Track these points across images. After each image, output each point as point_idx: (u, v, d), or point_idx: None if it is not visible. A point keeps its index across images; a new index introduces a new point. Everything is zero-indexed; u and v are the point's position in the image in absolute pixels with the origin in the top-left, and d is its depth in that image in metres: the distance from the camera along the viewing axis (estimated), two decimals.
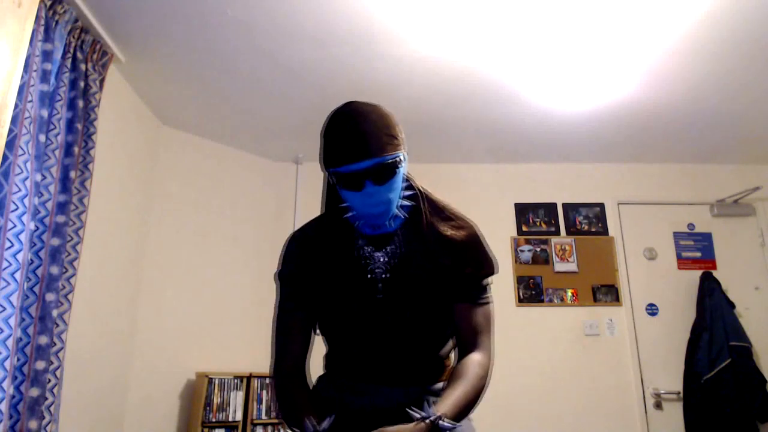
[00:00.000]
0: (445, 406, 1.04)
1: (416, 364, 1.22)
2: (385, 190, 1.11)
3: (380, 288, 1.19)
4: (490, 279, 1.25)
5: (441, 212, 1.25)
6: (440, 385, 1.23)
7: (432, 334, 1.23)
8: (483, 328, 1.21)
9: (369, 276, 1.19)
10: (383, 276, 1.19)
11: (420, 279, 1.19)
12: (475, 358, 1.17)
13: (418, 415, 1.00)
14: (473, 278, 1.21)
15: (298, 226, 4.30)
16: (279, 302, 1.27)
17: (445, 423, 0.99)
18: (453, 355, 1.31)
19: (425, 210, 1.22)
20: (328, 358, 1.32)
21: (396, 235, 1.22)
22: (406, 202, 1.20)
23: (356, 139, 1.07)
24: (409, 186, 1.22)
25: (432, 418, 0.99)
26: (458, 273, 1.19)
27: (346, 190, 1.12)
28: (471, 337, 1.19)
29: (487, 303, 1.23)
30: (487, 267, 1.23)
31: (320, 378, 1.33)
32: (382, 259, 1.20)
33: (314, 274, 1.22)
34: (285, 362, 1.22)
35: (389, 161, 1.09)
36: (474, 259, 1.21)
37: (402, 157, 1.13)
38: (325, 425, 1.03)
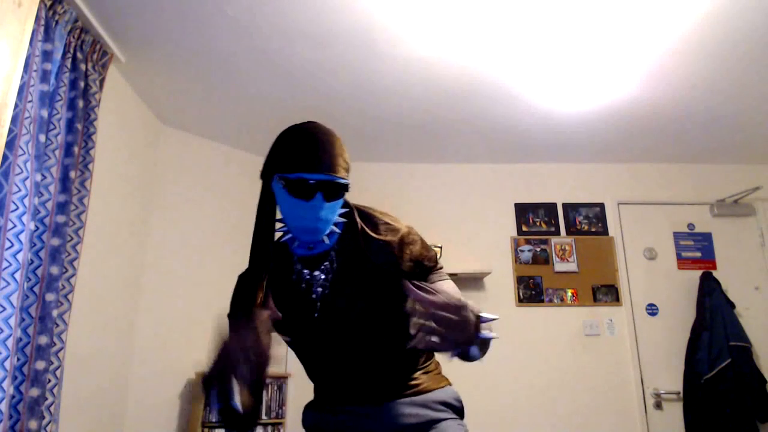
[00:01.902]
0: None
1: (386, 376, 1.22)
2: (328, 208, 1.14)
3: (318, 307, 1.19)
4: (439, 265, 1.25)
5: (372, 220, 1.25)
6: (423, 397, 1.22)
7: (386, 343, 1.22)
8: (449, 288, 1.19)
9: (313, 296, 1.20)
10: (325, 293, 1.20)
11: (360, 289, 1.19)
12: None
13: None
14: (416, 272, 1.20)
15: None
16: None
17: (485, 315, 0.98)
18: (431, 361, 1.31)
19: (360, 222, 1.23)
20: (314, 388, 1.34)
21: (332, 251, 1.22)
22: (341, 219, 1.21)
23: (322, 151, 1.13)
24: (344, 204, 1.23)
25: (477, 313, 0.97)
26: (399, 270, 1.18)
27: (294, 197, 1.12)
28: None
29: (446, 279, 1.23)
30: (428, 259, 1.23)
31: (305, 408, 1.35)
32: (321, 278, 1.21)
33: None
34: None
35: (343, 183, 1.15)
36: (413, 254, 1.20)
37: (349, 186, 1.17)
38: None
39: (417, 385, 1.24)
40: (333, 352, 1.21)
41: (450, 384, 1.31)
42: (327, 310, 1.19)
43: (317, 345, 1.22)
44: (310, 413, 1.33)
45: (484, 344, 1.02)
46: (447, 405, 1.25)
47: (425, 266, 1.22)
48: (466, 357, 1.01)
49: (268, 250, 1.19)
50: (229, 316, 1.26)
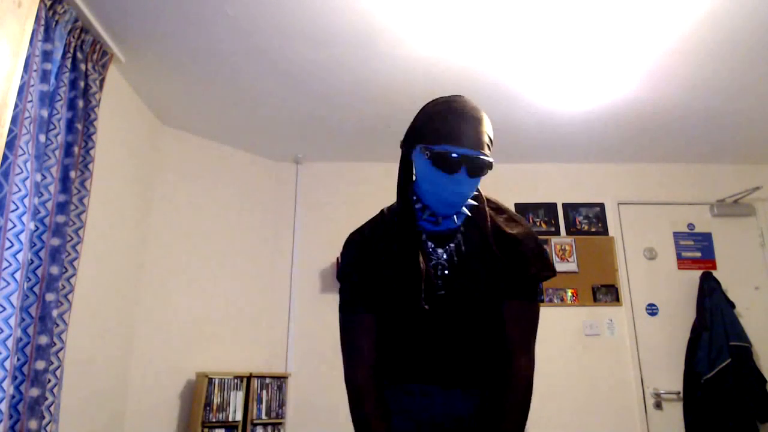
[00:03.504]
0: None
1: (474, 365, 1.21)
2: (470, 184, 1.14)
3: (440, 285, 1.19)
4: None
5: (502, 213, 1.26)
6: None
7: (491, 333, 1.22)
8: (533, 327, 1.22)
9: (433, 272, 1.20)
10: (444, 273, 1.19)
11: (481, 277, 1.19)
12: (524, 371, 1.17)
13: None
14: (535, 278, 1.21)
15: (298, 226, 4.28)
16: (342, 306, 1.27)
17: None
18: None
19: (487, 210, 1.24)
20: (384, 361, 1.28)
21: (458, 233, 1.22)
22: (471, 201, 1.22)
23: (468, 126, 1.12)
24: None
25: None
26: (521, 272, 1.19)
27: (437, 169, 1.12)
28: (521, 337, 1.20)
29: (540, 301, 1.25)
30: (550, 268, 1.24)
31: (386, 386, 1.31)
32: (444, 256, 1.21)
33: (375, 273, 1.22)
34: (357, 371, 1.22)
35: (488, 161, 1.13)
36: (538, 259, 1.22)
37: (492, 165, 1.16)
38: None
39: (490, 376, 1.24)
40: (434, 330, 1.20)
41: None
42: (445, 290, 1.19)
43: (420, 320, 1.20)
44: (398, 393, 1.26)
45: None
46: None
47: (541, 276, 1.22)
48: None
49: (412, 217, 1.21)
50: (339, 277, 1.28)
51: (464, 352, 1.20)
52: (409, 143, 1.21)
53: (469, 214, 1.22)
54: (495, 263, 1.19)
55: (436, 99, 1.21)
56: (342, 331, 1.26)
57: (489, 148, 1.16)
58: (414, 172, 1.22)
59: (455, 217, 1.20)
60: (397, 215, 1.23)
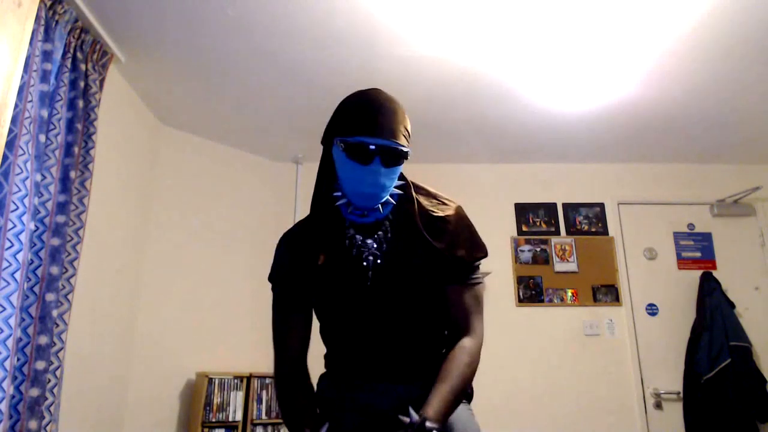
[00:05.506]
0: (431, 407, 1.04)
1: (414, 357, 1.22)
2: (386, 174, 1.13)
3: (370, 275, 1.19)
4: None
5: (431, 197, 1.27)
6: None
7: (428, 321, 1.22)
8: (473, 309, 1.22)
9: (364, 264, 1.20)
10: (377, 262, 1.19)
11: (411, 262, 1.19)
12: (464, 344, 1.18)
13: (407, 420, 0.99)
14: (465, 261, 1.22)
15: None
16: (273, 305, 1.28)
17: (430, 425, 0.99)
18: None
19: (415, 196, 1.24)
20: (328, 357, 1.32)
21: (386, 221, 1.22)
22: (396, 191, 1.21)
23: (383, 116, 1.12)
24: (400, 176, 1.24)
25: (416, 424, 0.97)
26: (450, 255, 1.19)
27: (352, 161, 1.12)
28: (462, 319, 1.21)
29: (478, 283, 1.25)
30: (479, 250, 1.24)
31: (321, 377, 1.33)
32: (374, 246, 1.20)
33: (306, 271, 1.22)
34: (284, 366, 1.23)
35: (402, 149, 1.13)
36: (466, 242, 1.22)
37: (409, 154, 1.16)
38: None
39: (436, 368, 1.24)
40: (372, 321, 1.20)
41: None
42: (377, 279, 1.19)
43: (357, 313, 1.21)
44: (326, 386, 1.30)
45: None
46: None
47: (469, 258, 1.22)
48: None
49: (324, 214, 1.22)
50: (270, 276, 1.29)
51: (400, 342, 1.21)
52: (327, 138, 1.21)
53: (394, 202, 1.22)
54: (426, 248, 1.19)
55: (353, 92, 1.21)
56: (273, 329, 1.27)
57: (406, 139, 1.16)
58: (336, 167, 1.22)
59: (380, 207, 1.19)
60: (315, 213, 1.24)
